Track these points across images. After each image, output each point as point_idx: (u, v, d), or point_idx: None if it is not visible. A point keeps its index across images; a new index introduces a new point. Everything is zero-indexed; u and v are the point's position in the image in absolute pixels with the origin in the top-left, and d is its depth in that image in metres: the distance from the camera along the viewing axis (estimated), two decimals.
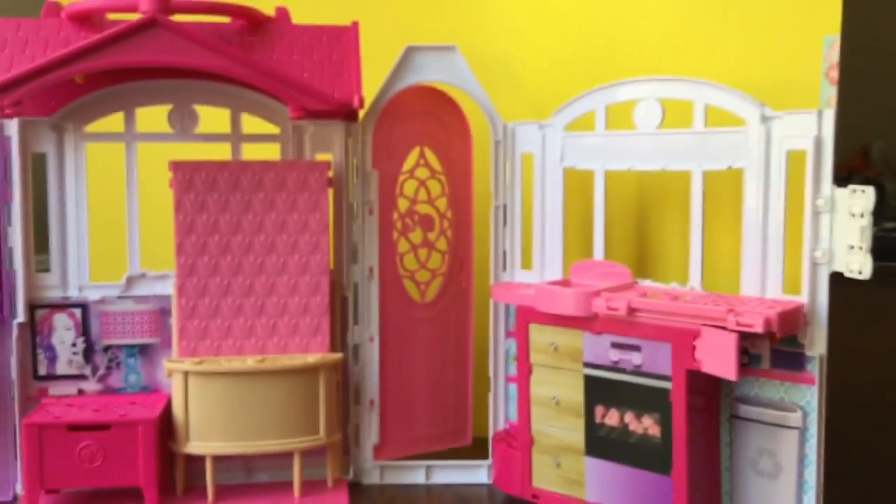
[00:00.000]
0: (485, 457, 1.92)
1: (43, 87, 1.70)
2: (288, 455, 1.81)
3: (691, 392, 1.54)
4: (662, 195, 1.98)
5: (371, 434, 1.92)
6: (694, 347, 1.52)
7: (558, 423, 1.72)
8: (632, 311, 1.59)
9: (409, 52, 1.88)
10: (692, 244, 1.67)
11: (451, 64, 1.88)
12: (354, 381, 1.92)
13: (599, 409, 1.66)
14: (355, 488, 1.89)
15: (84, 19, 1.81)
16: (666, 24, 1.99)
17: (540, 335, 1.73)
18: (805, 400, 1.52)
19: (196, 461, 1.80)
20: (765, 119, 1.57)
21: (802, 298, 1.53)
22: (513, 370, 1.87)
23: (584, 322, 1.65)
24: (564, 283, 1.79)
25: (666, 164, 1.70)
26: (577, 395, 1.69)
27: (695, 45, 1.95)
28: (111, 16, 1.84)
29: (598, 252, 1.80)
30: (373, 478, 1.93)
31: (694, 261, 1.67)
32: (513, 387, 1.87)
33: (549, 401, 1.73)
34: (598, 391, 1.65)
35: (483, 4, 2.18)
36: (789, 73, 1.82)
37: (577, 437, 1.69)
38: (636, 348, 1.60)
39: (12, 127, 1.78)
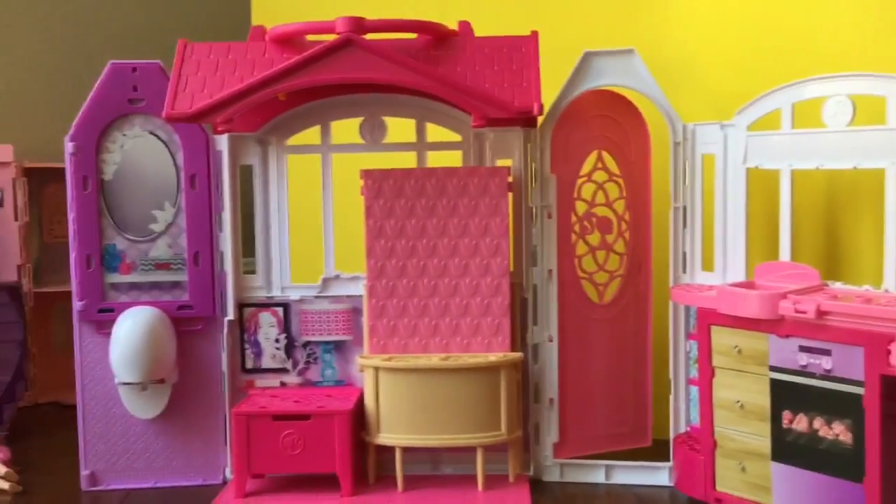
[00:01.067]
0: (666, 459, 1.91)
1: (251, 104, 1.84)
2: (471, 450, 1.88)
3: (886, 398, 1.48)
4: (853, 194, 1.90)
5: (551, 432, 1.96)
6: (889, 352, 1.46)
7: (742, 427, 1.69)
8: (821, 314, 1.54)
9: (588, 57, 1.90)
10: (887, 244, 1.61)
11: (630, 67, 1.89)
12: (534, 379, 1.97)
13: (787, 414, 1.62)
14: (536, 485, 1.93)
15: (286, 41, 1.95)
16: (852, 16, 1.91)
17: (722, 337, 1.71)
18: None
19: (386, 452, 1.91)
20: None
21: None
22: (693, 372, 1.86)
23: (770, 325, 1.62)
24: (748, 284, 1.76)
25: (858, 163, 1.65)
26: (762, 399, 1.66)
27: (885, 38, 1.86)
28: (310, 37, 1.96)
29: (785, 253, 1.76)
30: (553, 475, 1.96)
31: (889, 262, 1.61)
32: (694, 389, 1.85)
33: (732, 404, 1.71)
34: (786, 395, 1.62)
35: (662, 6, 2.17)
36: None
37: (763, 442, 1.66)
38: (826, 352, 1.55)
39: (223, 142, 1.96)
